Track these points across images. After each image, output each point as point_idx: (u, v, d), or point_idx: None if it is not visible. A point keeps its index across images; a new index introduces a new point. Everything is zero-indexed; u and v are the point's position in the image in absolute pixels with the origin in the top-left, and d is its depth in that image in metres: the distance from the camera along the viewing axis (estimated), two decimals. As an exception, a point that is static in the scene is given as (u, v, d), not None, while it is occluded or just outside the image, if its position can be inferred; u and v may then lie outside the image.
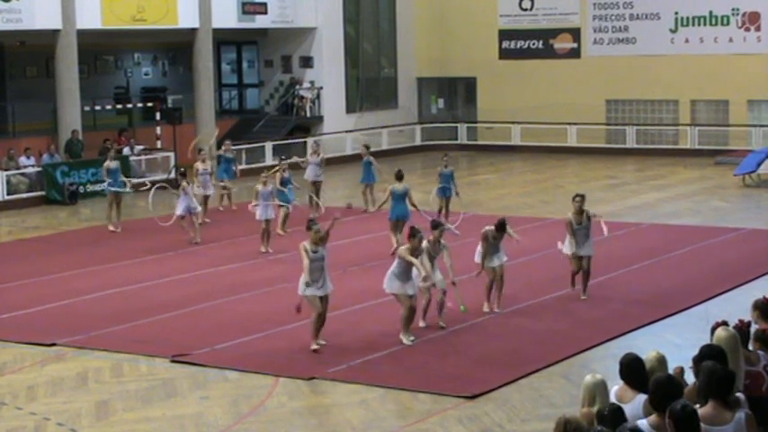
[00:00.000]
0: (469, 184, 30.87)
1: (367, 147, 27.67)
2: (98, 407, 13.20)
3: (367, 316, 16.97)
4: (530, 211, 26.07)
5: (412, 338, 15.33)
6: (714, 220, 25.27)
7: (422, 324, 15.98)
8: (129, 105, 36.14)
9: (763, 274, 19.15)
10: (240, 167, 29.81)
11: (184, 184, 23.24)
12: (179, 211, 23.16)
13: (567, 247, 17.74)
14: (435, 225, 16.04)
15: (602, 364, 13.62)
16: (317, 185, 26.78)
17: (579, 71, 39.81)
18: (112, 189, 25.17)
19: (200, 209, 24.05)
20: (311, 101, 38.93)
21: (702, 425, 7.15)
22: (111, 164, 25.67)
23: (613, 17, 39.43)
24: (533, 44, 40.96)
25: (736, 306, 15.83)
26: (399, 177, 21.83)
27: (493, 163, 36.58)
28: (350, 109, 39.95)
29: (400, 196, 21.44)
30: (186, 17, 34.61)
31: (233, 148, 29.30)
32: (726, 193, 29.57)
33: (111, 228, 25.04)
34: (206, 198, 25.78)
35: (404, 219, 21.14)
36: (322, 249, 14.90)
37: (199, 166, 26.09)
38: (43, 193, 29.84)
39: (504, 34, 41.35)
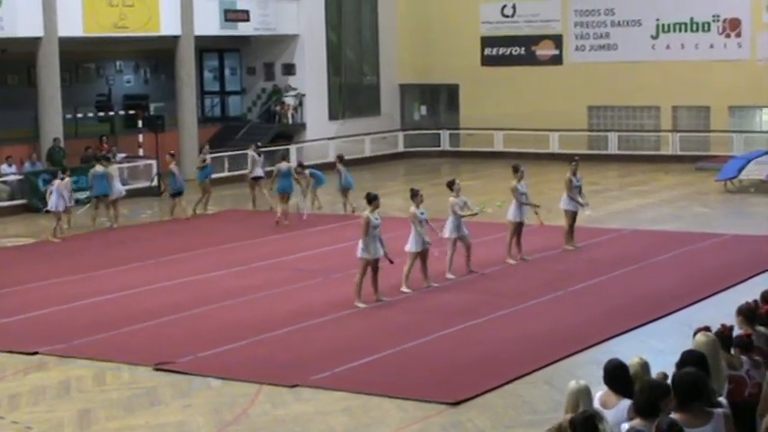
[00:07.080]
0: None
1: (340, 158, 28.48)
2: (80, 415, 13.14)
3: (349, 323, 16.97)
4: (512, 218, 26.04)
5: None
6: (696, 225, 25.34)
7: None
8: (112, 113, 36.03)
9: (745, 280, 19.18)
10: (223, 174, 29.75)
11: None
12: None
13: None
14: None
15: (586, 370, 13.60)
16: (258, 182, 28.53)
17: (561, 78, 39.89)
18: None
19: None
20: (293, 108, 38.91)
21: None
22: (175, 168, 27.78)
23: (595, 24, 39.55)
24: (515, 51, 41.03)
25: (718, 311, 15.82)
26: (284, 158, 28.14)
27: (475, 170, 36.57)
28: (332, 116, 39.95)
29: (285, 174, 26.50)
30: (168, 25, 34.55)
31: (210, 154, 29.59)
32: (707, 198, 29.65)
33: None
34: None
35: (288, 191, 26.44)
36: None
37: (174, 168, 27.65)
38: (25, 201, 29.73)
39: (487, 41, 41.42)
